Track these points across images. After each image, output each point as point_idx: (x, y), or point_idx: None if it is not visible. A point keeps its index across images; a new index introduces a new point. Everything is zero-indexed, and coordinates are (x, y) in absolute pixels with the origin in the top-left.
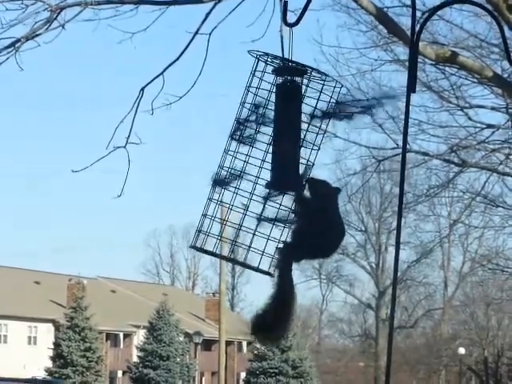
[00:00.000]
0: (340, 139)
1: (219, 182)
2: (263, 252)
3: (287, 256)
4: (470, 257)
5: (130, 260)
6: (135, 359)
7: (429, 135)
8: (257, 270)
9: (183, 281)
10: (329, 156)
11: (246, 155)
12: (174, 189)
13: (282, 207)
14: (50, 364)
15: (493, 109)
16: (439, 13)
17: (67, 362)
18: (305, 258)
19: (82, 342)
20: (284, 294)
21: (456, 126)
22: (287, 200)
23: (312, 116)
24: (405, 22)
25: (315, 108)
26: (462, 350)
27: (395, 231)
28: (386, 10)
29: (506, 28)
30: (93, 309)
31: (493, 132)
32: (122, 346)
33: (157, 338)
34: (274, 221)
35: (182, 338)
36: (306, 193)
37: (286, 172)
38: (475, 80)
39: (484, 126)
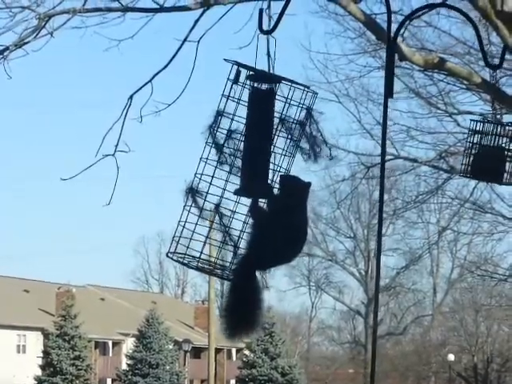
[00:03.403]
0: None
1: (193, 190)
2: (231, 262)
3: (245, 266)
4: (458, 263)
5: (119, 268)
6: (124, 367)
7: (417, 141)
8: (227, 278)
9: (172, 288)
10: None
11: (218, 162)
12: (163, 196)
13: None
14: (39, 372)
15: (481, 115)
16: (427, 19)
17: (56, 370)
18: (266, 267)
19: (72, 350)
20: (243, 298)
21: (445, 132)
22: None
23: (282, 120)
24: (393, 29)
25: (283, 114)
26: (451, 357)
27: (378, 239)
28: (374, 16)
29: (494, 34)
30: (82, 317)
31: (472, 135)
32: (111, 354)
33: (146, 345)
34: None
35: (171, 346)
36: (277, 191)
37: (254, 178)
38: (464, 86)
39: (472, 132)
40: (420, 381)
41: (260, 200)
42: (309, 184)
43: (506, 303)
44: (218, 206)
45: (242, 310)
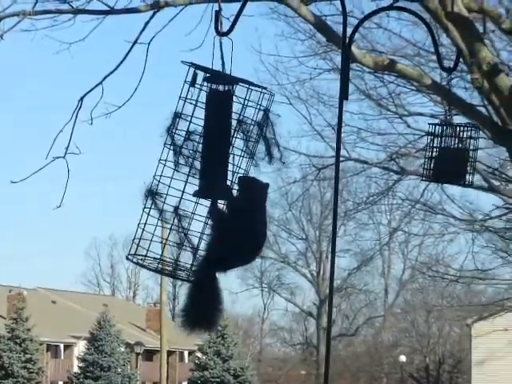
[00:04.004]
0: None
1: (152, 193)
2: (191, 264)
3: (205, 267)
4: (410, 264)
5: (71, 271)
6: (76, 370)
7: (368, 143)
8: (187, 280)
9: (124, 291)
10: (267, 164)
11: (175, 164)
12: (115, 199)
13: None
14: None
15: (432, 116)
16: (377, 21)
17: (8, 373)
18: (226, 269)
19: (23, 353)
20: (203, 297)
21: (395, 133)
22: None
23: (240, 122)
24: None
25: (240, 114)
26: (403, 358)
27: (333, 240)
28: (324, 18)
29: (444, 35)
30: (33, 320)
31: (432, 139)
32: (62, 357)
33: (98, 348)
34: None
35: (123, 349)
36: (235, 192)
37: (212, 179)
38: (414, 88)
39: (423, 134)
40: (372, 382)
41: (219, 201)
42: (267, 185)
43: (457, 304)
44: (176, 208)
45: (201, 308)
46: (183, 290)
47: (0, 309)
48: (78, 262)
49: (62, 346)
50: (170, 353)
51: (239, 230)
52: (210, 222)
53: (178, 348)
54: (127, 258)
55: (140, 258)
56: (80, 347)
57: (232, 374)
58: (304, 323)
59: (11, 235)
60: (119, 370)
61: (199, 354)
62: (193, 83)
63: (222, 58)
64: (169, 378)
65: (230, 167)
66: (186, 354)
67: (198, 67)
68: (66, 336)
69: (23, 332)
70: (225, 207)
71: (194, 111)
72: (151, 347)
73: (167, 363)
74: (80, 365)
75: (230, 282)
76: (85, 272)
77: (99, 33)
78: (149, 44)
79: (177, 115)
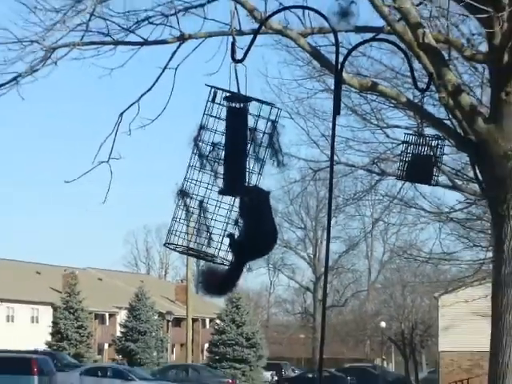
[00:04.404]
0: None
1: (183, 192)
2: (219, 248)
3: (239, 253)
4: (388, 248)
5: (113, 253)
6: (118, 334)
7: (354, 150)
8: (213, 261)
9: (157, 270)
10: (274, 167)
11: (202, 169)
12: (147, 196)
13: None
14: (49, 339)
15: (406, 128)
16: (362, 50)
17: (63, 336)
18: (252, 258)
19: (76, 320)
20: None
21: (376, 142)
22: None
23: (253, 130)
24: (334, 58)
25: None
26: (383, 324)
27: (328, 229)
28: (318, 48)
29: (416, 62)
30: (84, 294)
31: (406, 147)
32: (107, 324)
33: (136, 316)
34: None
35: (156, 317)
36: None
37: (233, 181)
38: (392, 105)
39: (399, 142)
40: (358, 343)
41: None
42: (268, 192)
43: (427, 280)
44: (201, 202)
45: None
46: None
47: (57, 285)
48: (119, 247)
49: (107, 314)
50: (194, 320)
51: (260, 223)
52: (240, 216)
53: (201, 316)
54: (164, 245)
55: (174, 245)
56: (122, 316)
57: (244, 337)
58: (303, 296)
59: (65, 225)
60: (153, 334)
61: (218, 321)
62: (213, 100)
63: (237, 80)
64: (193, 340)
65: (247, 170)
66: (207, 321)
67: (218, 89)
68: (110, 307)
69: (76, 303)
70: (239, 210)
71: (214, 124)
72: (179, 316)
73: (192, 329)
74: (122, 330)
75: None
76: (125, 255)
77: (135, 60)
78: (176, 69)
79: (202, 127)
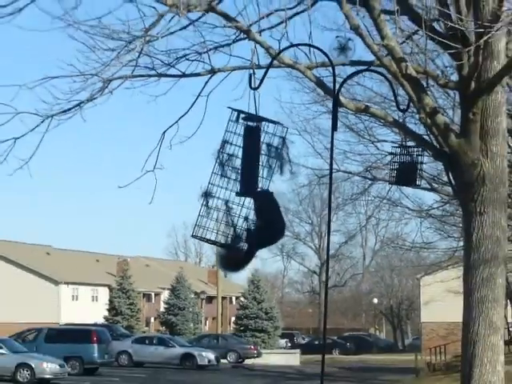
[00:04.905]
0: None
1: (208, 193)
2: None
3: (252, 242)
4: (379, 239)
5: (159, 245)
6: (162, 310)
7: (351, 160)
8: (229, 248)
9: (193, 258)
10: (287, 175)
11: (226, 176)
12: (188, 196)
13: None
14: (106, 314)
15: (393, 142)
16: (357, 80)
17: (118, 312)
18: (262, 247)
19: (127, 299)
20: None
21: (369, 154)
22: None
23: (268, 145)
24: (336, 87)
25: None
26: (375, 301)
27: (328, 224)
28: (322, 78)
29: (401, 89)
30: (134, 277)
31: (393, 157)
32: (153, 302)
33: (176, 295)
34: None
35: (192, 296)
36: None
37: (247, 185)
38: (381, 123)
39: (387, 154)
40: (355, 316)
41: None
42: (271, 193)
43: (410, 265)
44: (227, 201)
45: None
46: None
47: (112, 270)
48: (163, 239)
49: (153, 294)
50: (223, 298)
51: (271, 218)
52: (254, 213)
53: (228, 295)
54: (192, 236)
55: (199, 237)
56: (165, 295)
57: (263, 311)
58: (310, 278)
59: (119, 222)
60: (190, 309)
61: (242, 299)
62: (236, 120)
63: (255, 104)
64: (222, 314)
65: (260, 176)
66: (233, 298)
67: (237, 111)
68: (155, 287)
69: (127, 285)
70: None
71: (234, 139)
72: (211, 294)
73: (221, 305)
74: (165, 306)
75: (261, 251)
76: (167, 246)
77: (175, 89)
78: (207, 96)
79: (224, 142)
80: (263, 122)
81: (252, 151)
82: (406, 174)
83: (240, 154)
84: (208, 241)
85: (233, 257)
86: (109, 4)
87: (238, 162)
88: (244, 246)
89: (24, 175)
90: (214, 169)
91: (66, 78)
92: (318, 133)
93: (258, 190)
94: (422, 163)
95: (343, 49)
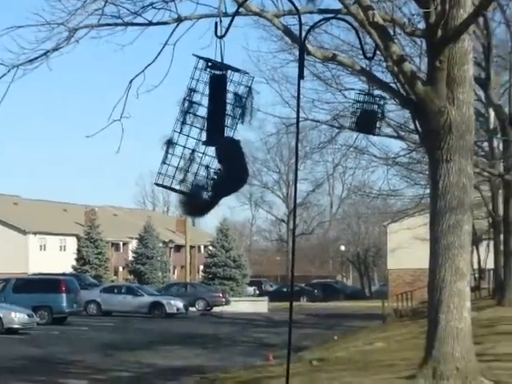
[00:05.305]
0: (261, 112)
1: (171, 141)
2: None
3: (215, 191)
4: (347, 187)
5: (126, 193)
6: (130, 259)
7: (319, 109)
8: (194, 195)
9: (161, 207)
10: (254, 124)
11: (190, 125)
12: (153, 145)
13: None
14: (75, 263)
15: (360, 90)
16: (324, 28)
17: (86, 261)
18: (225, 195)
19: (95, 248)
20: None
21: (336, 102)
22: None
23: (234, 94)
24: (303, 35)
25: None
26: (342, 248)
27: (295, 172)
28: (289, 26)
29: (368, 37)
30: (102, 227)
31: (355, 104)
32: (121, 251)
33: (144, 244)
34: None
35: (160, 244)
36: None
37: (213, 134)
38: (348, 72)
39: (354, 102)
40: (323, 263)
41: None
42: (238, 141)
43: (377, 212)
44: (191, 150)
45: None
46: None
47: (80, 220)
48: (131, 188)
49: (121, 243)
50: (191, 247)
51: (231, 169)
52: (217, 161)
53: (197, 243)
54: (155, 184)
55: (162, 184)
56: (133, 244)
57: (232, 259)
58: (278, 226)
59: (86, 171)
60: (158, 258)
61: (210, 247)
62: (202, 68)
63: (221, 52)
64: (191, 263)
65: (226, 125)
66: (202, 247)
67: (202, 58)
68: (124, 237)
69: (95, 235)
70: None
71: (197, 87)
72: (179, 243)
73: (190, 253)
74: (133, 255)
75: (229, 200)
76: (135, 194)
77: (142, 37)
78: (174, 45)
79: (189, 90)
80: (229, 71)
81: (218, 100)
82: (367, 122)
83: (206, 103)
84: (171, 189)
85: (195, 203)
86: None
87: (203, 111)
88: (206, 194)
89: None
90: (178, 116)
91: (32, 28)
92: (285, 81)
93: (225, 138)
94: (383, 112)
95: None
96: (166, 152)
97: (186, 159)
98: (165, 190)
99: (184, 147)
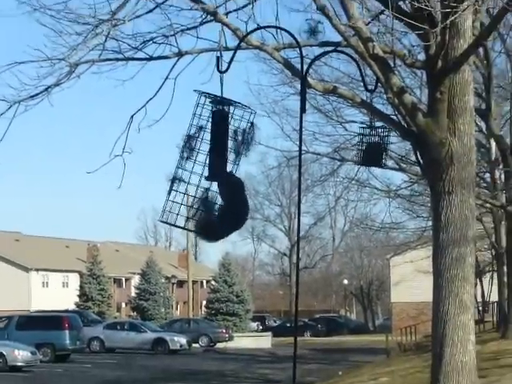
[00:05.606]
0: (262, 145)
1: (175, 178)
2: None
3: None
4: (348, 220)
5: (128, 229)
6: (133, 295)
7: (320, 141)
8: (198, 233)
9: (163, 242)
10: (255, 157)
11: (194, 160)
12: (156, 178)
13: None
14: (77, 300)
15: (361, 123)
16: (324, 60)
17: (88, 298)
18: (227, 232)
19: (98, 284)
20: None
21: (337, 134)
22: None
23: (235, 131)
24: (304, 68)
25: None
26: (345, 281)
27: (298, 206)
28: (289, 59)
29: (368, 69)
30: (104, 263)
31: (361, 138)
32: (124, 287)
33: (147, 280)
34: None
35: (163, 280)
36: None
37: (217, 170)
38: (349, 104)
39: (355, 134)
40: (325, 297)
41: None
42: (239, 179)
43: (379, 246)
44: (196, 186)
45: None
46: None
47: (82, 256)
48: (132, 224)
49: (123, 279)
50: (193, 282)
51: (235, 202)
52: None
53: (199, 278)
54: (160, 221)
55: (167, 221)
56: (135, 280)
57: (234, 294)
58: (281, 260)
59: (87, 208)
60: (161, 294)
61: (213, 282)
62: (204, 104)
63: (222, 87)
64: (193, 298)
65: (228, 160)
66: (204, 282)
67: (204, 94)
68: (126, 273)
69: (98, 271)
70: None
71: (201, 123)
72: (181, 279)
73: (192, 289)
74: (136, 291)
75: (232, 235)
76: (137, 230)
77: (143, 72)
78: (175, 79)
79: (191, 126)
80: (231, 106)
81: (220, 135)
82: (373, 155)
83: (208, 138)
84: (176, 226)
85: (209, 225)
86: None
87: (206, 146)
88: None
89: None
90: (181, 153)
91: (33, 63)
92: (286, 114)
93: (226, 174)
94: (388, 144)
95: (313, 32)
96: (170, 189)
97: (190, 195)
98: (168, 226)
99: (187, 183)
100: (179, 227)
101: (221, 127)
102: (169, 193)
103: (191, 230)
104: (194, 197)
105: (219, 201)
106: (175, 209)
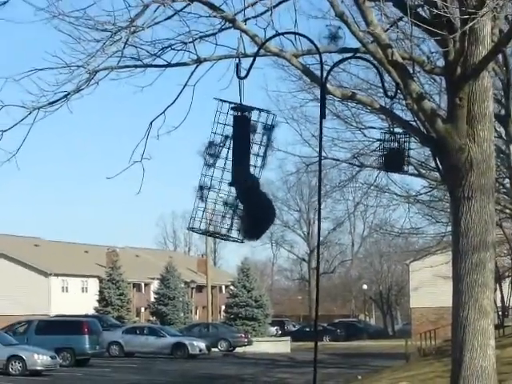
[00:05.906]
0: (280, 151)
1: (202, 187)
2: (230, 228)
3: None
4: (368, 225)
5: (147, 234)
6: (152, 300)
7: (339, 147)
8: (226, 238)
9: (182, 247)
10: (274, 163)
11: (217, 167)
12: (176, 184)
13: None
14: (97, 305)
15: (380, 129)
16: (343, 67)
17: (108, 303)
18: (254, 235)
19: (117, 289)
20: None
21: (356, 140)
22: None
23: (257, 135)
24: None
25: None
26: (365, 287)
27: (318, 211)
28: (308, 66)
29: (387, 75)
30: (123, 268)
31: (381, 144)
32: (143, 292)
33: (166, 285)
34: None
35: (182, 285)
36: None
37: (239, 175)
38: (368, 110)
39: (374, 140)
40: (345, 302)
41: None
42: (256, 178)
43: (399, 251)
44: (219, 191)
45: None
46: (221, 245)
47: (101, 261)
48: (152, 229)
49: (143, 284)
50: (212, 287)
51: (261, 205)
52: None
53: (218, 283)
54: (188, 229)
55: (195, 228)
56: (155, 285)
57: (253, 299)
58: (300, 265)
59: (107, 213)
60: (180, 299)
61: (232, 287)
62: (225, 111)
63: (241, 93)
64: (212, 303)
65: (252, 164)
66: (223, 287)
67: (224, 101)
68: (145, 278)
69: (117, 276)
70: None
71: (224, 130)
72: (200, 283)
73: (211, 294)
74: (155, 296)
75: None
76: (156, 235)
77: (162, 79)
78: (194, 86)
79: (213, 133)
80: (252, 111)
81: (242, 140)
82: (394, 160)
83: (230, 145)
84: (205, 233)
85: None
86: None
87: (229, 153)
88: (239, 237)
89: (11, 167)
90: (205, 161)
91: (52, 70)
92: (304, 120)
93: (249, 177)
94: (409, 149)
95: (334, 37)
96: (197, 197)
97: (216, 202)
98: (189, 231)
99: (212, 190)
100: (208, 234)
101: (242, 132)
102: (197, 201)
103: (227, 238)
104: (225, 203)
105: (247, 202)
106: (205, 216)
